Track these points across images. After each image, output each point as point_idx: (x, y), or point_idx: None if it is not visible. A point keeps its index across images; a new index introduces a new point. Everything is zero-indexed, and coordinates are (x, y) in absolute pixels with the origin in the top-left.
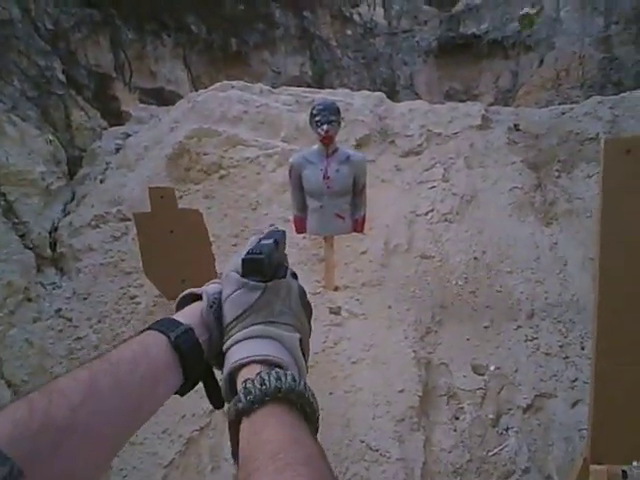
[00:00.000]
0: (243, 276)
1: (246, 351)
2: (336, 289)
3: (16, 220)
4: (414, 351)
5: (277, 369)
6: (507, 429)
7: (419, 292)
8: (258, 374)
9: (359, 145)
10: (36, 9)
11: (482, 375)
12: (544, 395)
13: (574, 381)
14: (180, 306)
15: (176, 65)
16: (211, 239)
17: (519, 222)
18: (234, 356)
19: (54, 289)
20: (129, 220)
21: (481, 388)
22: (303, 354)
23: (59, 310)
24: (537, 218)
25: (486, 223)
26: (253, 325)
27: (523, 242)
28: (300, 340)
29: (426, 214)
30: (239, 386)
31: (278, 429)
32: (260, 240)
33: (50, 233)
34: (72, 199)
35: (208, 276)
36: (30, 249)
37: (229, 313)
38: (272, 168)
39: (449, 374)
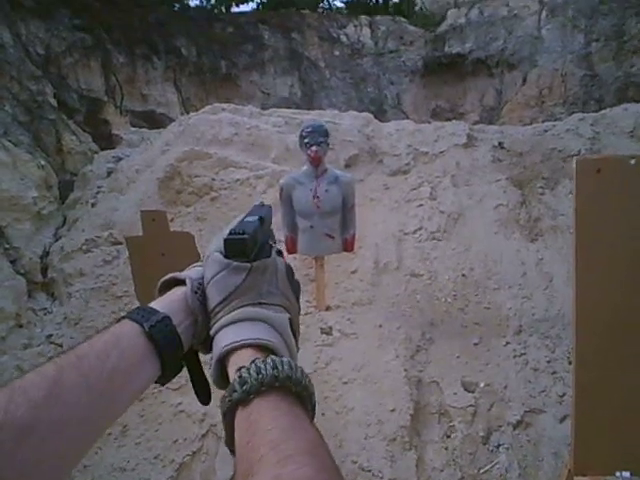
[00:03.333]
0: (226, 257)
1: (235, 335)
2: (327, 309)
3: (7, 246)
4: (405, 370)
5: (272, 356)
6: (498, 446)
7: (409, 310)
8: (253, 362)
9: (348, 165)
10: (27, 34)
11: (472, 392)
12: (533, 411)
13: (562, 396)
14: (161, 291)
15: (167, 88)
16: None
17: (505, 239)
18: (223, 341)
19: (45, 314)
20: (120, 244)
21: (472, 405)
22: (293, 334)
23: (50, 336)
24: (523, 235)
25: (473, 240)
26: (240, 307)
27: (509, 258)
28: (290, 320)
29: (414, 232)
30: (232, 375)
31: (277, 417)
32: (244, 218)
33: (41, 258)
34: (63, 223)
35: None
36: (21, 274)
37: (213, 296)
38: (263, 189)
39: (440, 392)
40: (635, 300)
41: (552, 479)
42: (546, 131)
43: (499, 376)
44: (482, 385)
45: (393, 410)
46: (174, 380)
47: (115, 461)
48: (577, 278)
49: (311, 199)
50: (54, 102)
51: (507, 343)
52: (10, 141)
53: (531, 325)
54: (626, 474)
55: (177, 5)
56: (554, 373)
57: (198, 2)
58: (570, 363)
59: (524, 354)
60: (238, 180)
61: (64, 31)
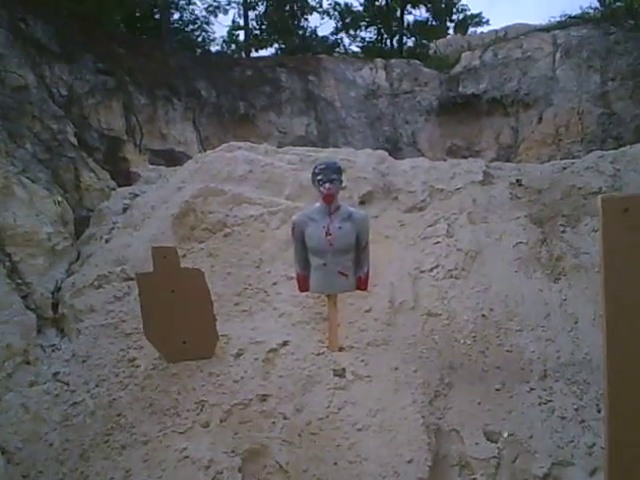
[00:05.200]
0: None
1: None
2: (340, 349)
3: (19, 281)
4: (423, 416)
5: None
6: None
7: (426, 352)
8: None
9: (363, 202)
10: (51, 76)
11: (495, 442)
12: (561, 463)
13: (591, 447)
14: None
15: (186, 127)
16: (213, 298)
17: (526, 278)
18: None
19: (53, 351)
20: (132, 280)
21: (495, 457)
22: None
23: (57, 373)
24: (544, 274)
25: (492, 279)
26: None
27: (531, 299)
28: None
29: (431, 270)
30: None
31: None
32: None
33: (53, 294)
34: (77, 259)
35: (209, 337)
36: (32, 310)
37: None
38: (276, 225)
39: (460, 441)
40: None
41: None
42: (565, 168)
43: (524, 425)
44: (506, 435)
45: (410, 461)
46: (180, 422)
47: None
48: (607, 321)
49: (324, 236)
50: (74, 141)
51: (531, 389)
52: (28, 178)
53: (556, 370)
54: None
55: (199, 51)
56: (582, 422)
57: (219, 47)
58: (600, 411)
59: (550, 401)
60: (252, 216)
61: (87, 74)
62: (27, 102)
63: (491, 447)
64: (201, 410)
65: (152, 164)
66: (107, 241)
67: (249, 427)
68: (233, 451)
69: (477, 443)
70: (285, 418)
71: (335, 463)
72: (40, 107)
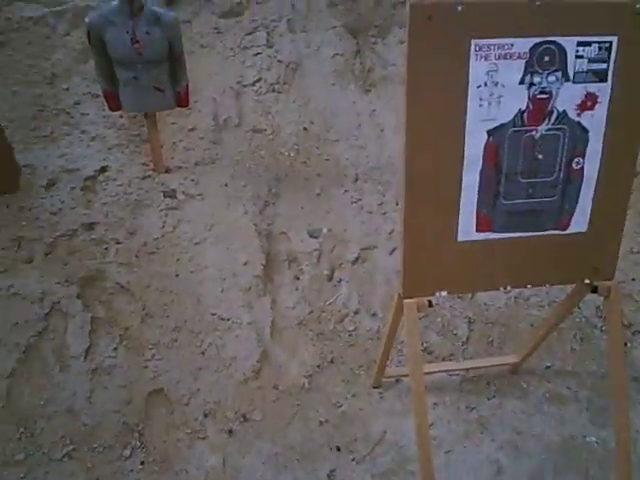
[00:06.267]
0: None
1: None
2: (167, 171)
3: None
4: (255, 224)
5: None
6: (340, 281)
7: (254, 167)
8: None
9: (169, 3)
10: None
11: (317, 238)
12: (368, 248)
13: (391, 233)
14: None
15: None
16: (3, 124)
17: (341, 90)
18: None
19: None
20: None
21: (317, 249)
22: None
23: None
24: (357, 85)
25: (312, 92)
26: None
27: (345, 110)
28: None
29: (253, 84)
30: None
31: None
32: None
33: None
34: None
35: (9, 170)
36: None
37: None
38: (65, 31)
39: (288, 241)
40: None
41: (385, 303)
42: None
43: (339, 221)
44: (325, 230)
45: (246, 263)
46: None
47: None
48: (408, 127)
49: (130, 44)
50: None
51: (345, 191)
52: None
53: (366, 173)
54: (443, 293)
55: None
56: (384, 214)
57: None
58: (397, 204)
59: (360, 200)
60: (30, 19)
61: None
62: None
63: (313, 242)
64: (19, 247)
65: None
66: None
67: (79, 256)
68: (67, 281)
69: (302, 240)
70: (118, 243)
71: (177, 275)
72: None
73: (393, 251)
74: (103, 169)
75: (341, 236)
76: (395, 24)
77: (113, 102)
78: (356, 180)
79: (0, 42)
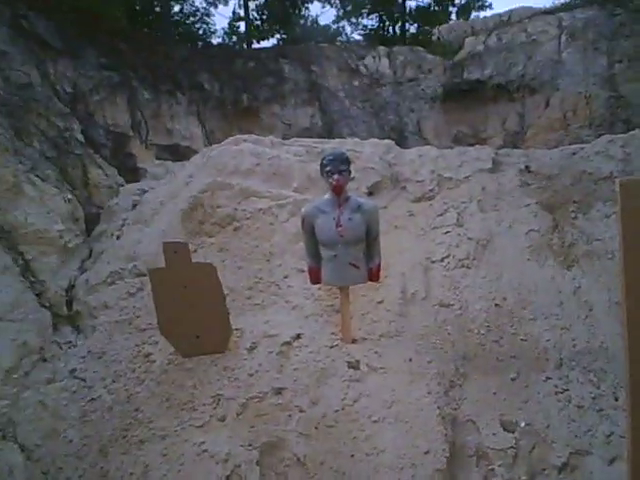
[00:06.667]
0: None
1: None
2: (353, 341)
3: (33, 279)
4: (438, 407)
5: None
6: None
7: (440, 343)
8: None
9: (370, 192)
10: (55, 73)
11: (512, 432)
12: (579, 452)
13: (609, 436)
14: None
15: (191, 121)
16: (225, 292)
17: (538, 266)
18: None
19: (69, 348)
20: (144, 275)
21: (512, 447)
22: None
23: (74, 370)
24: (557, 261)
25: (504, 268)
26: None
27: (544, 286)
28: None
29: (442, 260)
30: None
31: None
32: None
33: (67, 291)
34: (89, 256)
35: (222, 331)
36: (46, 307)
37: None
38: (285, 218)
39: (477, 432)
40: None
41: None
42: (574, 154)
43: (540, 414)
44: (522, 424)
45: (427, 452)
46: (197, 417)
47: None
48: (627, 309)
49: (334, 228)
50: (81, 138)
51: (547, 378)
52: (37, 176)
53: (572, 358)
54: None
55: (200, 43)
56: (600, 411)
57: (220, 39)
58: (617, 400)
59: (566, 390)
60: (260, 210)
61: (91, 70)
62: (32, 99)
63: (508, 437)
64: (217, 404)
65: (158, 159)
66: (118, 237)
67: (265, 420)
68: (250, 444)
69: (494, 433)
70: (301, 411)
71: (352, 455)
72: (45, 104)
73: (613, 460)
74: (298, 336)
75: (543, 434)
76: (598, 199)
77: (315, 276)
78: (560, 366)
79: (236, 227)
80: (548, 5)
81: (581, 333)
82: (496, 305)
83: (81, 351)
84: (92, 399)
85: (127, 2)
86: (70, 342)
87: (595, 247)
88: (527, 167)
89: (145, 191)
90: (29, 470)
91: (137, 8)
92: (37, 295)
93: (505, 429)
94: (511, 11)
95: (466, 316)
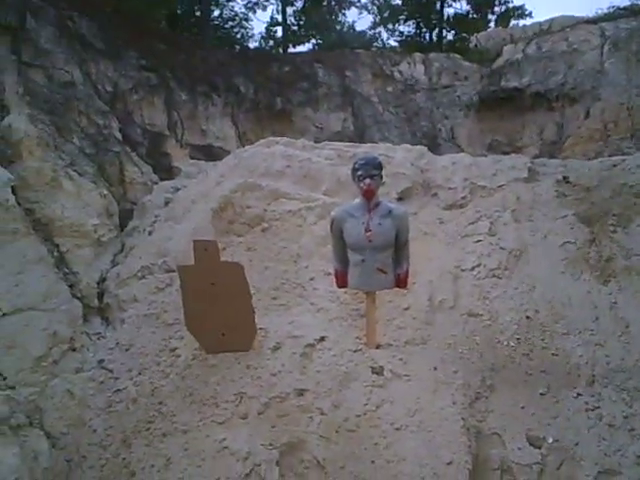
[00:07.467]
0: None
1: None
2: (378, 347)
3: (67, 270)
4: (463, 418)
5: None
6: None
7: (467, 353)
8: None
9: (401, 198)
10: (97, 73)
11: (539, 448)
12: (608, 472)
13: None
14: None
15: (225, 123)
16: (251, 292)
17: (573, 279)
18: None
19: (99, 339)
20: (174, 271)
21: (538, 462)
22: None
23: (102, 361)
24: (593, 275)
25: (537, 280)
26: None
27: (579, 301)
28: None
29: (472, 269)
30: None
31: None
32: None
33: (98, 283)
34: (121, 250)
35: (247, 330)
36: (78, 299)
37: None
38: (313, 221)
39: (502, 445)
40: None
41: None
42: (615, 165)
43: (569, 431)
44: (550, 440)
45: (450, 463)
46: (219, 413)
47: None
48: None
49: (363, 232)
50: (119, 136)
51: (578, 395)
52: (76, 171)
53: (605, 376)
54: None
55: (237, 47)
56: (632, 430)
57: (257, 44)
58: None
59: (598, 408)
60: (289, 211)
61: (131, 70)
62: (74, 98)
63: (534, 453)
64: (240, 401)
65: (192, 159)
66: (150, 233)
67: (286, 421)
68: (271, 444)
69: (520, 448)
70: (322, 413)
71: (372, 462)
72: (86, 103)
73: None
74: (322, 338)
75: (571, 451)
76: (638, 213)
77: (341, 280)
78: (592, 383)
79: (264, 228)
80: (591, 15)
81: (616, 350)
82: (527, 317)
83: (109, 342)
84: (118, 390)
85: (169, 6)
86: (99, 333)
87: (634, 262)
88: (565, 178)
89: (178, 189)
90: (53, 457)
91: (178, 12)
92: (70, 286)
93: (532, 444)
94: (552, 20)
95: (495, 327)
